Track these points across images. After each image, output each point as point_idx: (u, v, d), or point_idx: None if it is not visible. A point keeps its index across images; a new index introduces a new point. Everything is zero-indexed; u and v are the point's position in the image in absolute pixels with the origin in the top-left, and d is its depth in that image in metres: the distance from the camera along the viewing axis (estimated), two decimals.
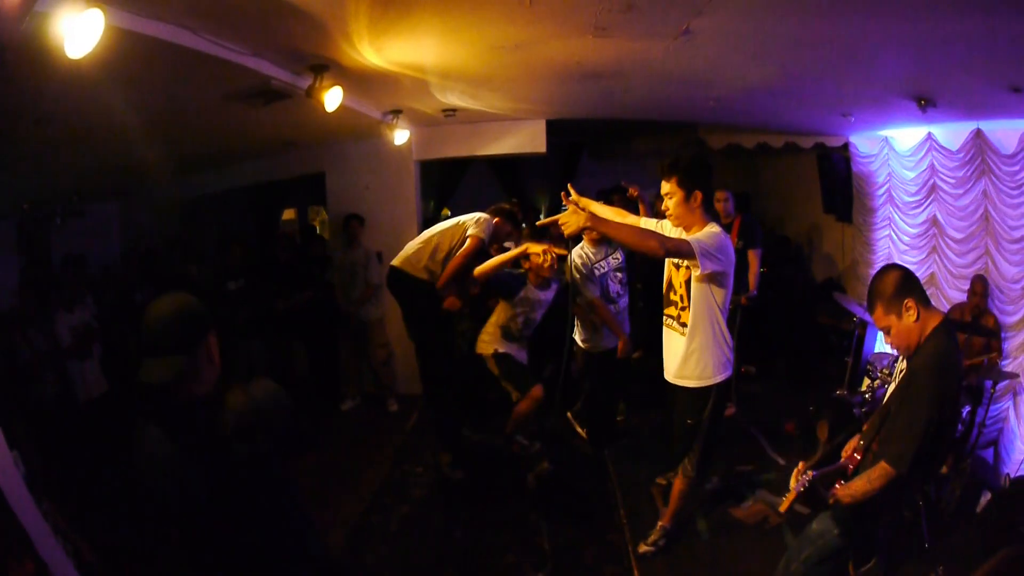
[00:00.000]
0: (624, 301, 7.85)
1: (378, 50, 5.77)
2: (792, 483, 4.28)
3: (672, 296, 5.66)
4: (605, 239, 7.60)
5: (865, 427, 4.54)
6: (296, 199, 16.47)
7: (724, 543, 6.44)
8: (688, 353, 5.51)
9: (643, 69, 6.68)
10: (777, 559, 5.37)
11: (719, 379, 5.53)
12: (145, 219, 13.29)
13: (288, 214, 17.05)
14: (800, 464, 4.43)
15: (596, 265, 7.58)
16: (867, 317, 7.91)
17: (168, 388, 3.00)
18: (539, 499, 7.20)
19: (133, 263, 11.73)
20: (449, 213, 14.92)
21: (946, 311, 8.23)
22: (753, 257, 8.90)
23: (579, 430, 8.89)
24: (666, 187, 5.36)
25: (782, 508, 4.28)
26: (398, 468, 8.36)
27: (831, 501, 4.12)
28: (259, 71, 5.88)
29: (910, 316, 3.90)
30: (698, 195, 5.26)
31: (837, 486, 4.13)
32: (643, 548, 6.32)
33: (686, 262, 5.26)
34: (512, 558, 6.48)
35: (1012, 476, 6.98)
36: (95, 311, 8.74)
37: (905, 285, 3.96)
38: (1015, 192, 7.38)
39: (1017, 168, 7.28)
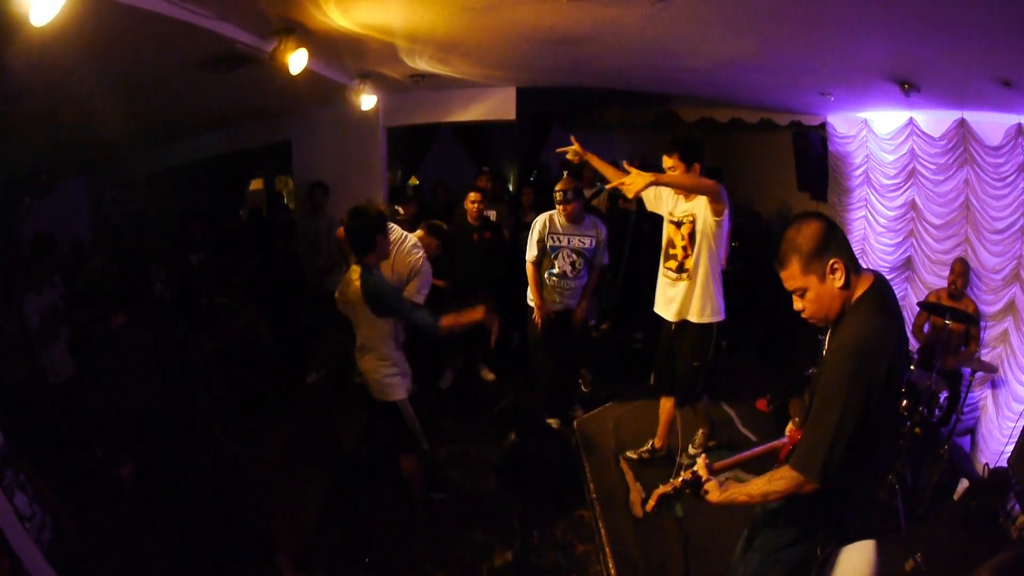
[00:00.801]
0: (580, 282, 8.02)
1: (344, 11, 5.70)
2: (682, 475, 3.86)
3: (671, 251, 6.59)
4: (581, 220, 7.86)
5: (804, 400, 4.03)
6: (263, 168, 16.22)
7: (695, 519, 6.17)
8: (692, 295, 6.48)
9: (617, 36, 6.52)
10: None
11: (717, 319, 6.52)
12: (113, 194, 13.10)
13: (256, 184, 16.80)
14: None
15: (554, 236, 7.86)
16: None
17: None
18: (507, 475, 7.05)
19: (105, 242, 11.48)
20: (417, 182, 14.91)
21: (924, 297, 8.25)
22: None
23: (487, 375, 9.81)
24: (669, 162, 6.30)
25: (648, 507, 3.91)
26: (363, 443, 8.10)
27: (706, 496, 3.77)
28: (224, 35, 5.82)
29: (836, 280, 3.24)
30: (696, 167, 6.26)
31: (717, 481, 3.81)
32: (629, 454, 7.40)
33: (690, 217, 6.35)
34: (481, 535, 6.44)
35: (991, 466, 6.92)
36: (62, 291, 8.50)
37: (832, 241, 3.25)
38: (999, 184, 7.31)
39: (1002, 160, 7.21)
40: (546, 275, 8.03)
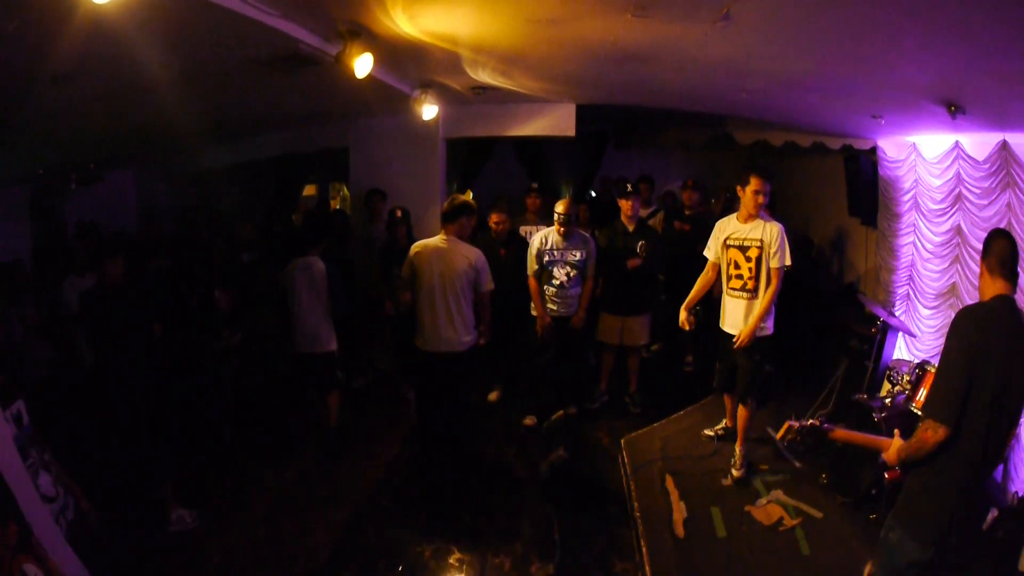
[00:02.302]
0: (575, 291, 8.91)
1: (411, 17, 5.78)
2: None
3: (736, 271, 7.54)
4: (573, 236, 8.81)
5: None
6: (317, 174, 16.29)
7: (737, 541, 6.48)
8: (753, 312, 7.34)
9: (678, 54, 6.55)
10: (789, 561, 6.20)
11: (768, 333, 7.48)
12: (160, 188, 13.22)
13: (309, 189, 16.82)
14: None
15: (551, 251, 8.77)
16: (890, 320, 8.13)
17: None
18: (551, 488, 7.20)
19: (151, 231, 11.47)
20: (472, 194, 14.68)
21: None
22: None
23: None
24: (763, 186, 7.28)
25: (778, 435, 4.66)
26: (407, 449, 8.38)
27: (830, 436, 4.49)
28: (288, 34, 5.90)
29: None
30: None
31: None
32: (709, 432, 8.46)
33: (756, 242, 7.33)
34: (521, 547, 6.56)
35: (1020, 494, 6.67)
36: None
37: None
38: None
39: None
40: (546, 287, 8.90)
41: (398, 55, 7.07)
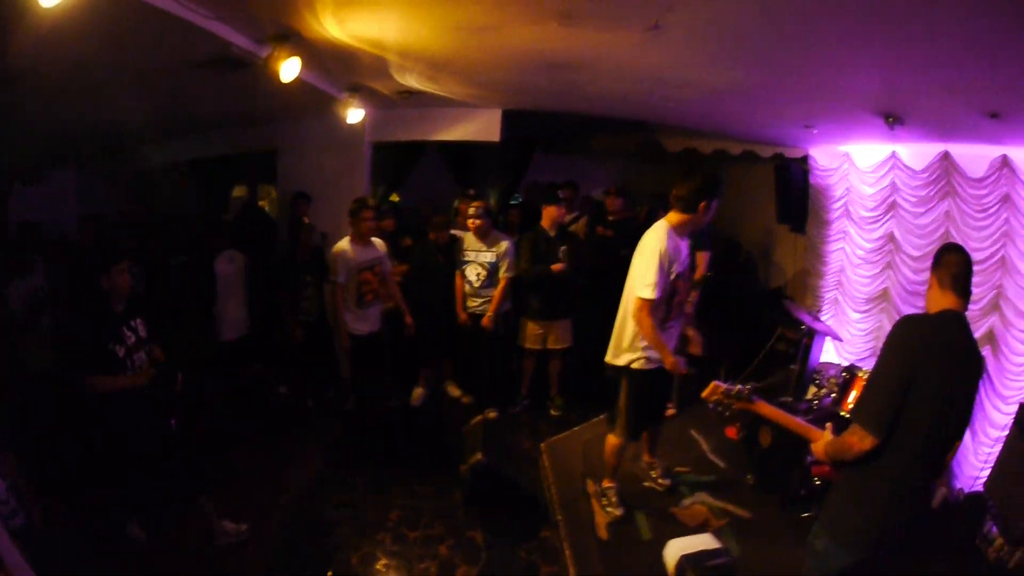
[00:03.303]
0: (485, 291, 9.03)
1: (341, 22, 5.63)
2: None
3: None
4: (487, 236, 8.96)
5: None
6: (248, 176, 15.88)
7: (663, 543, 6.18)
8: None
9: (607, 63, 6.43)
10: None
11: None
12: (102, 189, 13.02)
13: (239, 191, 16.55)
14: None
15: (466, 251, 9.05)
16: (815, 325, 8.13)
17: None
18: (474, 493, 7.06)
19: (88, 234, 11.09)
20: (399, 199, 14.74)
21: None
22: (701, 259, 8.92)
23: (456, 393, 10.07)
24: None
25: (704, 394, 4.54)
26: (332, 456, 8.28)
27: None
28: (219, 36, 5.77)
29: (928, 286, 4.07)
30: (702, 205, 6.29)
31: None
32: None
33: None
34: (446, 551, 6.47)
35: (966, 491, 6.96)
36: (45, 277, 8.57)
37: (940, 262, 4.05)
38: (980, 215, 7.27)
39: (985, 192, 7.16)
40: (466, 285, 9.11)
41: (327, 59, 6.97)
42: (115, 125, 8.97)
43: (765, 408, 4.50)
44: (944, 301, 3.88)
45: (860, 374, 7.55)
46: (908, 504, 3.89)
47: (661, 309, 6.31)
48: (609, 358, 6.72)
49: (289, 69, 6.30)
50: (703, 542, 5.85)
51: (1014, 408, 6.48)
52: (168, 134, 11.49)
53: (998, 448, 6.55)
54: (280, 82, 6.36)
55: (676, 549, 5.79)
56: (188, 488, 6.30)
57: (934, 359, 3.67)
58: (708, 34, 5.11)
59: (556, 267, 8.62)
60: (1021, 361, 6.79)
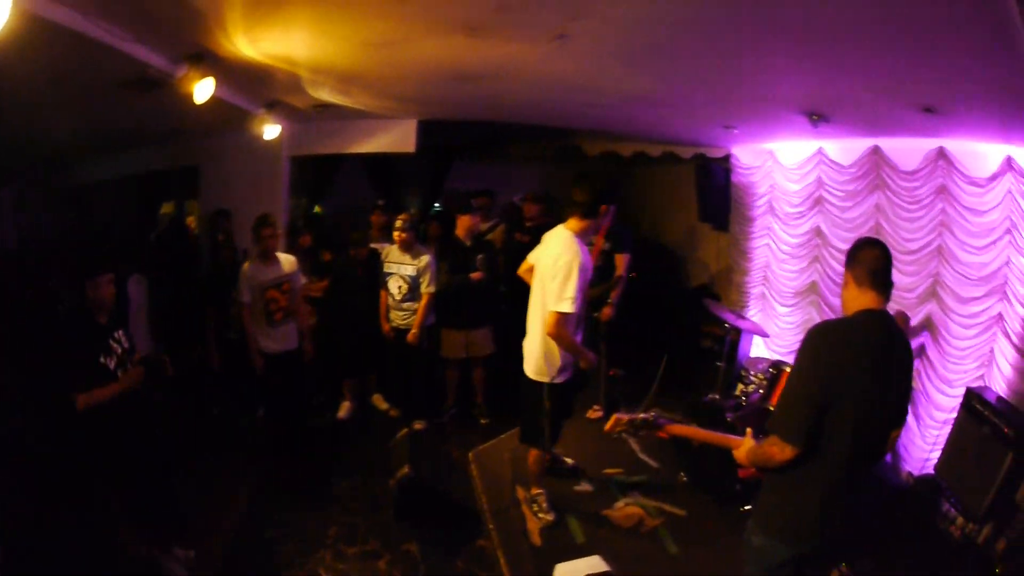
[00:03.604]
0: (406, 304, 8.78)
1: (252, 41, 5.62)
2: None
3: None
4: (410, 249, 8.65)
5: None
6: (176, 192, 15.70)
7: (598, 547, 6.28)
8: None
9: (516, 73, 6.40)
10: (655, 561, 6.24)
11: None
12: (40, 206, 12.82)
13: (167, 207, 16.32)
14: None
15: (389, 264, 8.78)
16: (738, 323, 8.19)
17: None
18: (406, 506, 6.93)
19: (25, 253, 11.17)
20: (321, 211, 14.66)
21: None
22: (620, 260, 8.91)
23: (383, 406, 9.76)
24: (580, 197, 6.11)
25: (608, 427, 4.48)
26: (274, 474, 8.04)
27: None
28: (137, 58, 5.71)
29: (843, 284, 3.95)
30: (603, 208, 6.12)
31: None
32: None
33: None
34: (384, 566, 6.35)
35: (915, 474, 7.08)
36: None
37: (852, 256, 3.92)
38: (913, 207, 7.31)
39: (918, 184, 7.19)
40: (389, 298, 8.88)
41: (242, 76, 6.89)
42: (46, 143, 9.02)
43: (676, 429, 4.47)
44: (863, 300, 3.78)
45: (786, 369, 7.61)
46: (843, 498, 3.82)
47: (575, 317, 6.15)
48: (531, 374, 6.48)
49: (203, 90, 6.25)
50: (590, 565, 5.79)
51: (960, 391, 6.56)
52: (99, 151, 11.45)
53: (946, 430, 6.67)
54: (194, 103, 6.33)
55: (562, 573, 5.77)
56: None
57: (854, 365, 3.61)
58: (616, 42, 5.08)
59: (475, 276, 8.60)
60: (963, 346, 6.87)
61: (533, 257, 6.49)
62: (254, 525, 6.93)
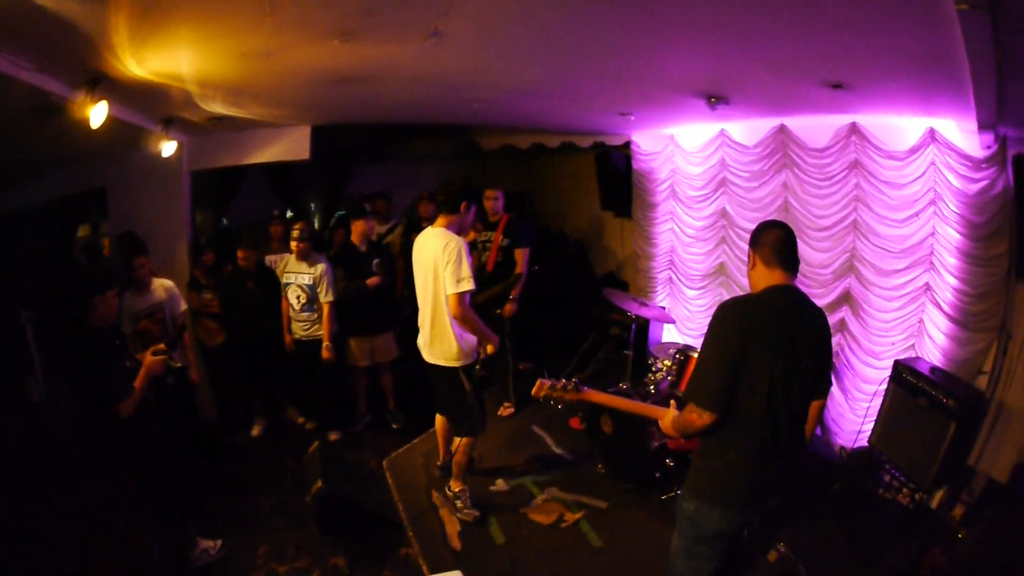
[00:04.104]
0: (305, 313, 8.54)
1: (139, 61, 5.47)
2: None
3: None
4: (307, 257, 8.41)
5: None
6: (90, 215, 15.31)
7: (519, 546, 6.32)
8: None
9: (398, 73, 6.29)
10: (579, 556, 6.12)
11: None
12: None
13: (83, 230, 15.91)
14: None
15: (287, 273, 8.52)
16: (640, 311, 8.07)
17: None
18: (326, 519, 6.82)
19: None
20: (227, 223, 14.03)
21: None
22: (519, 255, 8.81)
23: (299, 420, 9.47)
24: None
25: (534, 391, 4.58)
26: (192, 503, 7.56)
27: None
28: (39, 86, 5.62)
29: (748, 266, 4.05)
30: (464, 205, 6.39)
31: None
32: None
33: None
34: None
35: (848, 447, 7.11)
36: None
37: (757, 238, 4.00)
38: (825, 183, 7.27)
39: (829, 160, 7.15)
40: (289, 308, 8.62)
41: (137, 96, 6.61)
42: None
43: (596, 395, 4.59)
44: (771, 278, 3.89)
45: (693, 355, 7.45)
46: (770, 464, 3.86)
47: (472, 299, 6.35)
48: (444, 362, 6.51)
49: (98, 114, 6.08)
50: None
51: (888, 364, 6.68)
52: (10, 179, 11.19)
53: (876, 402, 6.78)
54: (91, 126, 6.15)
55: None
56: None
57: (760, 336, 3.69)
58: (491, 36, 5.03)
59: (371, 281, 8.46)
60: (888, 318, 6.94)
61: (414, 259, 6.67)
62: (186, 552, 6.64)
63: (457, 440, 6.85)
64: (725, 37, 4.60)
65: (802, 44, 4.57)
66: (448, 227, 6.30)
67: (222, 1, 4.26)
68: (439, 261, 6.11)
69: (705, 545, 4.04)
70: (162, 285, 7.84)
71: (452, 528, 6.66)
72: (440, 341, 6.45)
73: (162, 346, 5.69)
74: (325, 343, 8.45)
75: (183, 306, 8.09)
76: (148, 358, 5.52)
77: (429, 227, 6.47)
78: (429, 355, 6.57)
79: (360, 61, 5.77)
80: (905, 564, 5.42)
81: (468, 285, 6.02)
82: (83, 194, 11.65)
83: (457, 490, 6.97)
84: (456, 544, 6.44)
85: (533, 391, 4.58)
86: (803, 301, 3.92)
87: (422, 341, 6.65)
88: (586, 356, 9.40)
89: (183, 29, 4.73)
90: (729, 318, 3.78)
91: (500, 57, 5.67)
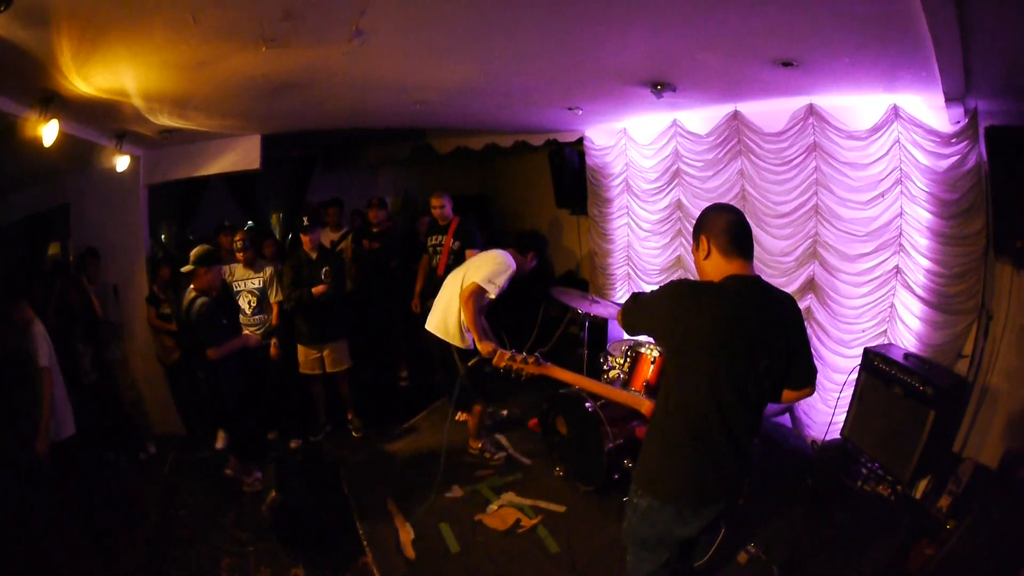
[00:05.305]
0: (256, 318, 8.58)
1: (85, 78, 5.46)
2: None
3: None
4: (253, 264, 8.64)
5: None
6: (57, 232, 14.97)
7: (474, 553, 6.07)
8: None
9: (332, 77, 6.16)
10: (536, 562, 5.88)
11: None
12: None
13: (54, 248, 15.58)
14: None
15: (235, 281, 8.56)
16: (591, 309, 8.12)
17: None
18: (283, 529, 6.72)
19: None
20: (192, 238, 13.44)
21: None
22: (471, 256, 8.31)
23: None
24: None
25: (496, 360, 4.62)
26: (163, 511, 7.57)
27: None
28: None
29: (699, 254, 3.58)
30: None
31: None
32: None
33: None
34: None
35: (820, 440, 6.77)
36: None
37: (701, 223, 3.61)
38: (782, 168, 6.99)
39: (786, 144, 6.86)
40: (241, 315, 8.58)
41: (88, 112, 6.58)
42: None
43: (557, 371, 4.50)
44: (730, 267, 3.46)
45: (644, 351, 7.17)
46: (719, 460, 3.52)
47: (484, 310, 6.94)
48: (436, 332, 7.15)
49: (50, 132, 6.06)
50: None
51: (858, 353, 6.33)
52: None
53: (848, 392, 6.40)
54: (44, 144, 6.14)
55: None
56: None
57: (701, 318, 3.36)
58: (417, 33, 4.90)
59: (316, 290, 8.16)
60: (856, 304, 6.64)
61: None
62: (152, 563, 6.58)
63: (474, 411, 7.57)
64: (660, 14, 4.34)
65: (743, 17, 4.29)
66: (513, 256, 6.97)
67: (150, 15, 4.22)
68: (486, 261, 6.90)
69: (650, 549, 3.79)
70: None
71: (406, 537, 6.42)
72: (443, 313, 7.08)
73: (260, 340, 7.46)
74: (272, 340, 8.38)
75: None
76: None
77: (507, 252, 7.08)
78: (429, 322, 7.23)
79: (292, 67, 5.68)
80: (889, 559, 5.11)
81: (492, 291, 6.65)
82: (48, 212, 11.43)
83: (479, 447, 7.69)
84: (410, 553, 6.20)
85: (494, 360, 4.59)
86: (771, 293, 3.54)
87: (430, 315, 7.29)
88: (544, 332, 9.15)
89: (118, 45, 4.72)
90: (669, 293, 3.50)
91: (427, 54, 5.53)
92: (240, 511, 7.19)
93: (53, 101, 5.86)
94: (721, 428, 3.42)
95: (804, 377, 3.67)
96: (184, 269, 7.64)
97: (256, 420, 8.47)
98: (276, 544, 6.50)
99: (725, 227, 3.45)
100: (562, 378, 4.47)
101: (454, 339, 6.97)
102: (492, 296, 6.68)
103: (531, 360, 4.45)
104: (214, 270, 6.97)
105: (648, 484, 3.67)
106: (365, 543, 6.37)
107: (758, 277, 3.49)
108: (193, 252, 7.15)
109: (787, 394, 3.69)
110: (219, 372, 7.11)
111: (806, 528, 5.72)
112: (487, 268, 6.73)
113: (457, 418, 8.38)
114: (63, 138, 6.29)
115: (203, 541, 6.73)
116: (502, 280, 6.67)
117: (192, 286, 6.98)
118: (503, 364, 4.51)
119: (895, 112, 5.84)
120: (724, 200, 7.60)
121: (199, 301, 6.86)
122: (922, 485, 5.51)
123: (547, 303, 9.54)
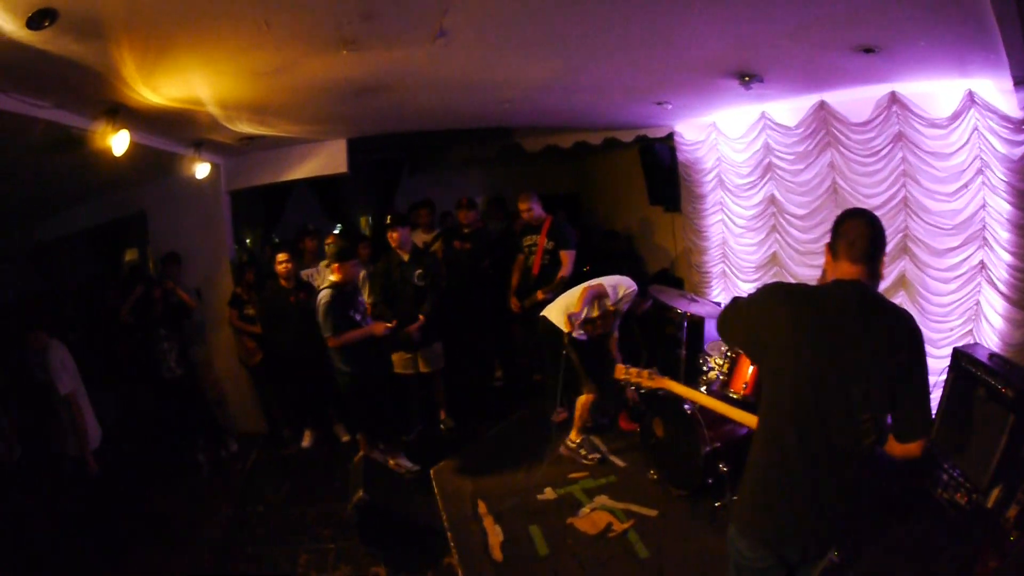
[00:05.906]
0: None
1: (154, 90, 5.51)
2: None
3: None
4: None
5: None
6: (136, 239, 15.16)
7: (563, 557, 5.94)
8: None
9: (414, 78, 6.18)
10: (625, 567, 5.71)
11: None
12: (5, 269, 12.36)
13: (131, 254, 15.78)
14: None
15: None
16: (690, 309, 7.88)
17: None
18: (367, 528, 6.50)
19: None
20: (278, 241, 13.85)
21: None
22: (565, 257, 8.65)
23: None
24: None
25: (616, 373, 4.90)
26: (242, 508, 7.78)
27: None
28: (59, 122, 5.76)
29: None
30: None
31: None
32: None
33: None
34: None
35: None
36: None
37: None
38: (870, 159, 6.84)
39: (873, 135, 6.73)
40: None
41: (161, 122, 6.64)
42: None
43: (674, 385, 4.52)
44: (837, 271, 3.19)
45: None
46: (810, 493, 3.10)
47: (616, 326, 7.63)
48: (553, 318, 7.39)
49: (119, 143, 6.08)
50: None
51: (947, 352, 6.02)
52: (50, 209, 11.28)
53: (936, 395, 5.96)
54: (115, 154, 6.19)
55: None
56: None
57: (786, 323, 3.10)
58: (501, 30, 4.91)
59: (411, 328, 8.17)
60: (945, 302, 6.50)
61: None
62: (228, 560, 6.74)
63: (579, 403, 7.45)
64: (747, 3, 4.36)
65: (826, 4, 4.34)
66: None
67: (218, 23, 4.28)
68: (621, 283, 7.34)
69: None
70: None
71: (495, 539, 6.36)
72: (564, 301, 7.36)
73: (393, 324, 7.58)
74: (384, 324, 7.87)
75: None
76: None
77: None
78: (549, 310, 7.52)
79: (373, 69, 5.71)
80: (957, 571, 4.95)
81: (611, 295, 7.17)
82: (125, 219, 11.62)
83: (576, 442, 7.61)
84: (498, 555, 6.14)
85: (616, 374, 4.85)
86: (880, 303, 3.17)
87: (550, 306, 7.60)
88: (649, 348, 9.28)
89: (186, 55, 4.80)
90: (758, 294, 3.31)
91: (513, 52, 5.53)
92: (323, 509, 7.36)
93: (120, 112, 5.89)
94: (803, 469, 3.11)
95: (910, 423, 3.12)
96: (322, 264, 8.62)
97: (392, 408, 8.35)
98: (358, 542, 6.51)
99: (843, 230, 3.19)
100: (678, 392, 4.51)
101: (569, 326, 7.03)
102: (610, 303, 7.09)
103: (645, 374, 4.60)
104: (348, 264, 7.19)
105: (736, 520, 3.40)
106: (452, 544, 6.37)
107: (860, 282, 3.13)
108: (329, 248, 7.85)
109: (891, 444, 3.21)
110: (356, 360, 7.42)
111: (887, 537, 5.53)
112: (618, 282, 7.25)
113: (555, 418, 8.29)
114: (136, 148, 6.38)
115: (282, 538, 6.92)
116: (624, 293, 7.17)
117: (329, 279, 7.37)
118: (621, 377, 4.75)
119: (971, 98, 5.76)
120: (816, 194, 7.77)
121: (323, 293, 7.17)
122: (995, 494, 5.19)
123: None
